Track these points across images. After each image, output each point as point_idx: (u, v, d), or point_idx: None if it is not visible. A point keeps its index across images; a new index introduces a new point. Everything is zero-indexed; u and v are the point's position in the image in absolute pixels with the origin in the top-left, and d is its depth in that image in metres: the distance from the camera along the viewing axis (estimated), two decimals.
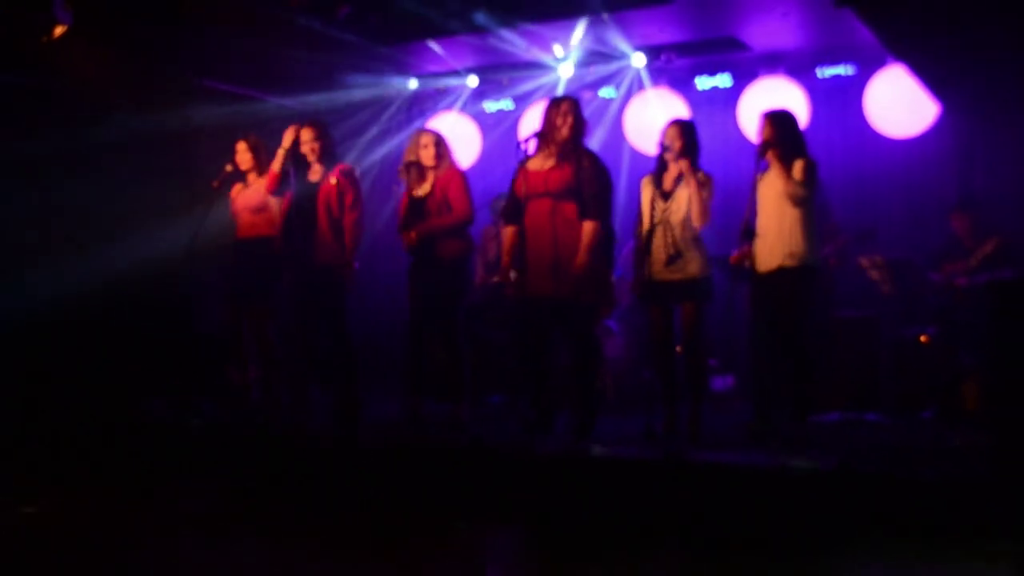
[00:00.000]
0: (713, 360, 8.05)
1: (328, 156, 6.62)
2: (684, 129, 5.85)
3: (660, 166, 5.90)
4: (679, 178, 5.80)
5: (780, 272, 5.66)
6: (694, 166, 5.78)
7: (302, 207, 6.50)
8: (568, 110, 5.80)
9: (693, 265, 5.75)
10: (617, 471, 4.99)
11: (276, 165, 6.62)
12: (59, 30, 7.28)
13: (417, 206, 6.32)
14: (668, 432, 5.76)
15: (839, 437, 5.96)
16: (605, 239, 5.83)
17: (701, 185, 5.71)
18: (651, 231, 5.75)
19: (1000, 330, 4.51)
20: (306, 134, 6.57)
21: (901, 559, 4.18)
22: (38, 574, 4.20)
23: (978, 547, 4.19)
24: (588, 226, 5.70)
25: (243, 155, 7.01)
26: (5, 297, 7.48)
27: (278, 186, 6.66)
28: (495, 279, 7.83)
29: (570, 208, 5.72)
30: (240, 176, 7.02)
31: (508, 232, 5.92)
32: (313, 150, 6.55)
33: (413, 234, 6.26)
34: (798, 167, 5.69)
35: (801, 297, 5.69)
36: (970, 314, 6.79)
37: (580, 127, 5.81)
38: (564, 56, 8.77)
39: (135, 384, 7.59)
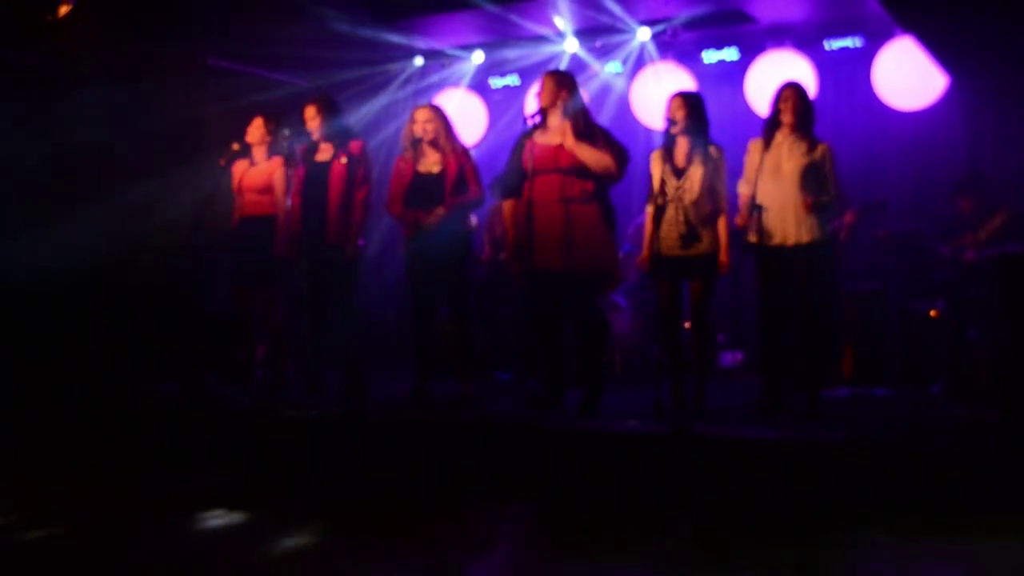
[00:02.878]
0: (722, 335, 8.05)
1: (334, 133, 6.55)
2: (688, 101, 5.81)
3: (668, 140, 5.85)
4: (691, 154, 5.77)
5: (794, 248, 5.61)
6: (704, 138, 5.76)
7: (313, 187, 6.47)
8: (559, 85, 5.78)
9: (703, 241, 5.73)
10: (626, 446, 5.00)
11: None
12: (64, 9, 7.26)
13: (427, 183, 6.23)
14: (675, 408, 5.76)
15: (848, 412, 5.96)
16: (609, 213, 5.82)
17: (715, 161, 5.71)
18: (663, 208, 5.72)
19: (1009, 304, 4.50)
20: (308, 111, 6.52)
21: (909, 533, 4.19)
22: (47, 557, 4.22)
23: (986, 522, 4.20)
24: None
25: (258, 130, 6.90)
26: (12, 279, 7.50)
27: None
28: (502, 256, 7.82)
29: (579, 185, 5.71)
30: (246, 153, 6.94)
31: (509, 206, 5.90)
32: (314, 128, 6.50)
33: (440, 210, 6.14)
34: (825, 154, 5.65)
35: (815, 272, 5.66)
36: (979, 288, 6.77)
37: (578, 101, 5.80)
38: (562, 28, 8.73)
39: (143, 364, 7.62)
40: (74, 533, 4.53)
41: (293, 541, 4.41)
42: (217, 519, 4.78)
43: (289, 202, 6.68)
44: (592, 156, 5.67)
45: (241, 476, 5.64)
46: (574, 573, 3.92)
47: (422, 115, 6.26)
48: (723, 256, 5.73)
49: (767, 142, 5.71)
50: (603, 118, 8.76)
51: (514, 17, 8.36)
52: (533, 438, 5.20)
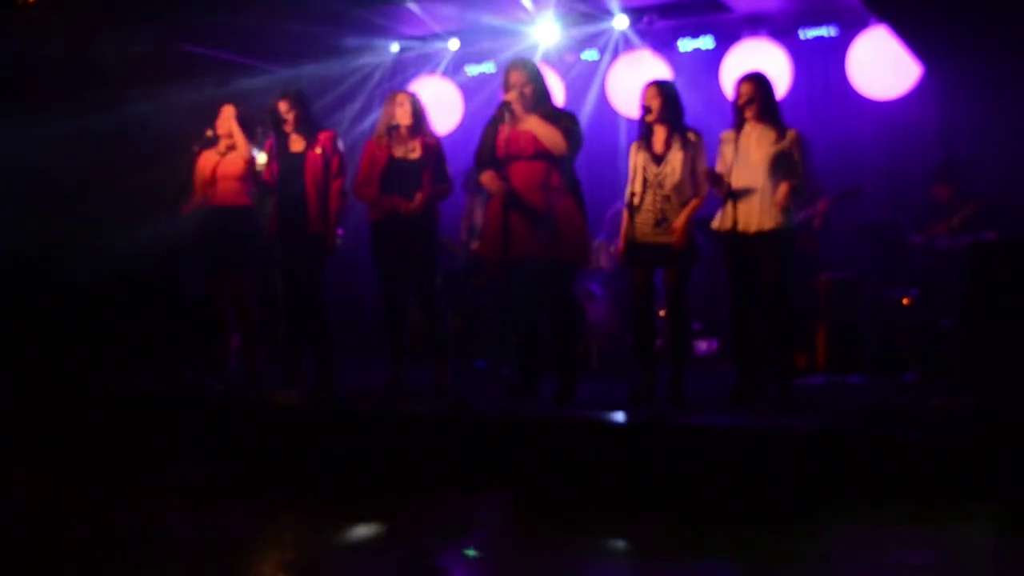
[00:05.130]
0: (697, 324, 8.07)
1: (306, 124, 6.53)
2: (662, 89, 5.81)
3: (645, 130, 5.85)
4: (669, 141, 5.77)
5: (764, 234, 5.63)
6: (679, 125, 5.76)
7: (288, 178, 6.45)
8: (522, 79, 5.77)
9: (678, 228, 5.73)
10: (601, 434, 5.00)
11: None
12: None
13: (404, 168, 6.22)
14: (646, 396, 5.76)
15: (822, 399, 5.99)
16: (577, 195, 5.81)
17: (694, 146, 5.71)
18: (641, 194, 5.73)
19: (981, 291, 4.52)
20: (282, 105, 6.49)
21: (882, 520, 4.22)
22: (29, 547, 4.19)
23: (959, 508, 4.23)
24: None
25: (227, 120, 6.87)
26: None
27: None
28: (473, 245, 7.80)
29: (549, 171, 5.69)
30: (215, 142, 6.89)
31: (491, 173, 5.82)
32: (289, 121, 6.48)
33: (419, 199, 6.15)
34: (794, 141, 5.64)
35: (786, 258, 5.68)
36: (951, 276, 6.82)
37: (539, 90, 5.79)
38: (537, 16, 8.70)
39: (118, 354, 7.56)
40: (50, 524, 4.50)
41: (268, 531, 4.40)
42: (192, 510, 4.76)
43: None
44: (544, 131, 5.68)
45: (216, 466, 5.61)
46: (551, 561, 3.93)
47: (403, 99, 6.27)
48: (679, 222, 5.70)
49: (737, 133, 5.73)
50: (579, 107, 8.76)
51: (489, 5, 8.33)
52: (509, 426, 5.20)
